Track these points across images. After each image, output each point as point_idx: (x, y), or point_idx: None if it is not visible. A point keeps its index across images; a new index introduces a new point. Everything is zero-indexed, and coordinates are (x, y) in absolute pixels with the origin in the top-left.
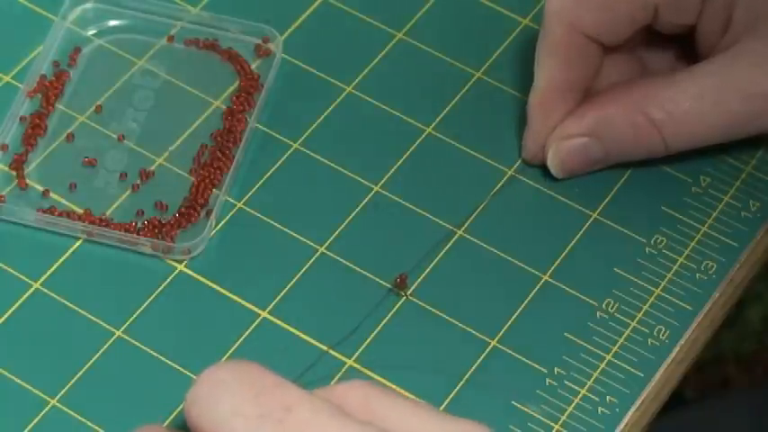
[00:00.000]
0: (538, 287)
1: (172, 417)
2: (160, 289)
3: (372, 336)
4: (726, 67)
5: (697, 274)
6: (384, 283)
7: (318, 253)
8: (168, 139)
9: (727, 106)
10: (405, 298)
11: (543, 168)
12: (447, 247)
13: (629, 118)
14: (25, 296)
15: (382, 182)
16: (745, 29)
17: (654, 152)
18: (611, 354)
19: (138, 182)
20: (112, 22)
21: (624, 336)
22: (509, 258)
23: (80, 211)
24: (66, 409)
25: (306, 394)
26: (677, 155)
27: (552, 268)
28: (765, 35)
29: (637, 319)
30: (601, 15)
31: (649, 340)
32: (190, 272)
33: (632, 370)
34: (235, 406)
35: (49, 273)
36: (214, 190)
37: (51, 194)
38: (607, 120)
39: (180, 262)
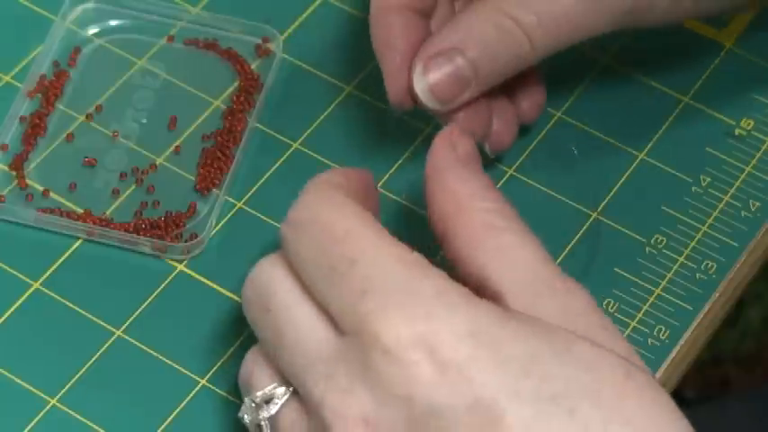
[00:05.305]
0: None
1: (172, 417)
2: (160, 289)
3: None
4: None
5: (697, 274)
6: None
7: None
8: (168, 139)
9: (594, 4)
10: None
11: (543, 168)
12: None
13: (496, 23)
14: (25, 296)
15: (382, 182)
16: None
17: (522, 58)
18: None
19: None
20: (112, 22)
21: (624, 335)
22: None
23: (80, 211)
24: (66, 409)
25: (373, 245)
26: (677, 154)
27: None
28: None
29: (637, 318)
30: None
31: (649, 340)
32: (190, 272)
33: None
34: (310, 256)
35: (49, 273)
36: (214, 190)
37: (51, 194)
38: (471, 28)
39: (180, 262)
